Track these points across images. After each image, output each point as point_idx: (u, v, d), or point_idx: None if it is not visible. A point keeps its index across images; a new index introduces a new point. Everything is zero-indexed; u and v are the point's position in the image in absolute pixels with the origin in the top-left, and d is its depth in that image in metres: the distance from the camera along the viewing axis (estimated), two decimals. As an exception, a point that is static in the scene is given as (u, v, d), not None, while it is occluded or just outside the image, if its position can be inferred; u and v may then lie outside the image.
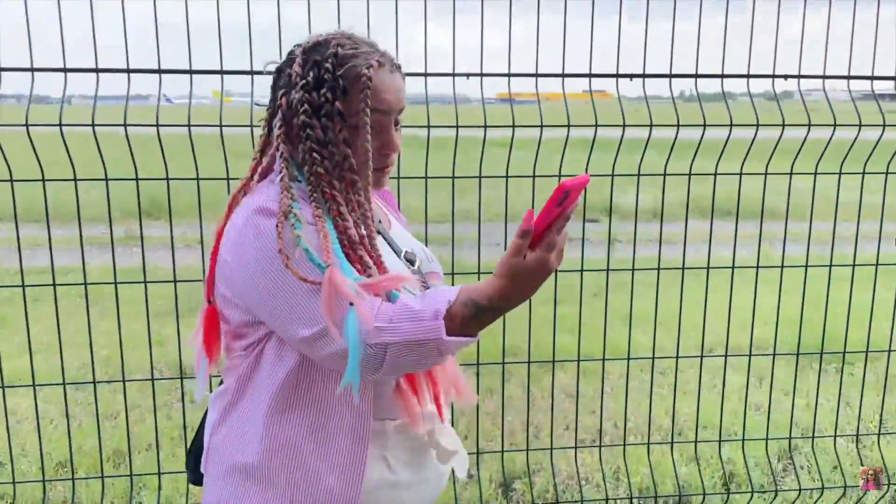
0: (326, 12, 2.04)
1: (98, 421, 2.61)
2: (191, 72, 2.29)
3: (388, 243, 1.39)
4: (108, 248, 2.48)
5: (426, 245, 1.56)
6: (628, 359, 2.80)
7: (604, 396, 3.04)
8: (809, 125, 2.57)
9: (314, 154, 1.23)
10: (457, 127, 2.43)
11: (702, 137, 2.59)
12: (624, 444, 3.00)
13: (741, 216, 2.76)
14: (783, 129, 2.56)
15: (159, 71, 2.26)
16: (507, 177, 2.60)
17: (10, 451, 2.92)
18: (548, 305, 2.71)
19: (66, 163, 2.37)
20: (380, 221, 1.42)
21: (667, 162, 2.59)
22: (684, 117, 2.49)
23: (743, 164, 2.65)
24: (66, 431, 2.76)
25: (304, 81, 1.23)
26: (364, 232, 1.24)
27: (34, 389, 2.56)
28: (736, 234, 2.84)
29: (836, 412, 3.14)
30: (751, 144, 2.59)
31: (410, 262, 1.40)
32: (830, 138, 2.61)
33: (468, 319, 1.14)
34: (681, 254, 2.75)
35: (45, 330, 3.76)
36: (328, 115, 1.23)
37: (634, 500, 3.13)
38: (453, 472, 1.52)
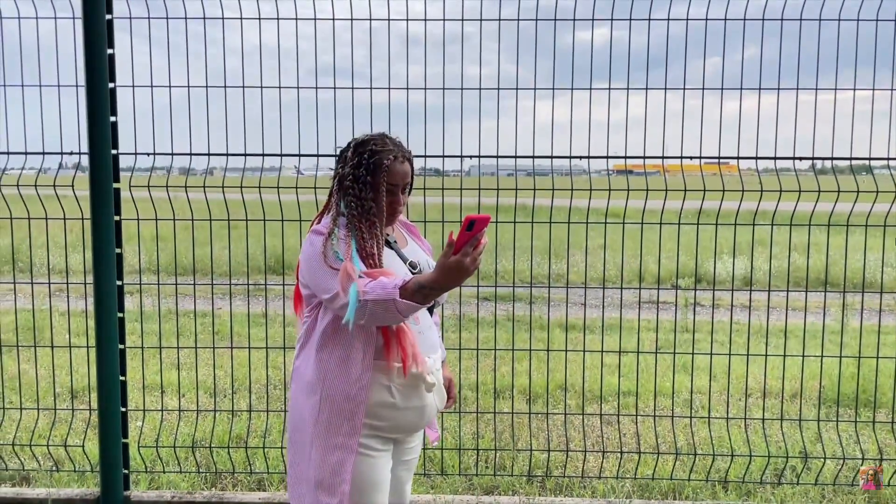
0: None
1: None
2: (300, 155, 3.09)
3: (398, 254, 2.25)
4: (237, 296, 3.28)
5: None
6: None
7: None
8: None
9: (352, 203, 2.14)
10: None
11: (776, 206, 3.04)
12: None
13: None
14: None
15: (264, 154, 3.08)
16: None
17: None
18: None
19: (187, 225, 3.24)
20: (395, 241, 2.30)
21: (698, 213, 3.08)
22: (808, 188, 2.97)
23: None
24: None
25: (352, 162, 2.17)
26: (375, 250, 2.11)
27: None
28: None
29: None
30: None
31: (412, 267, 2.25)
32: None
33: (415, 292, 1.93)
34: (757, 319, 3.14)
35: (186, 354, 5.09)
36: (363, 183, 2.14)
37: None
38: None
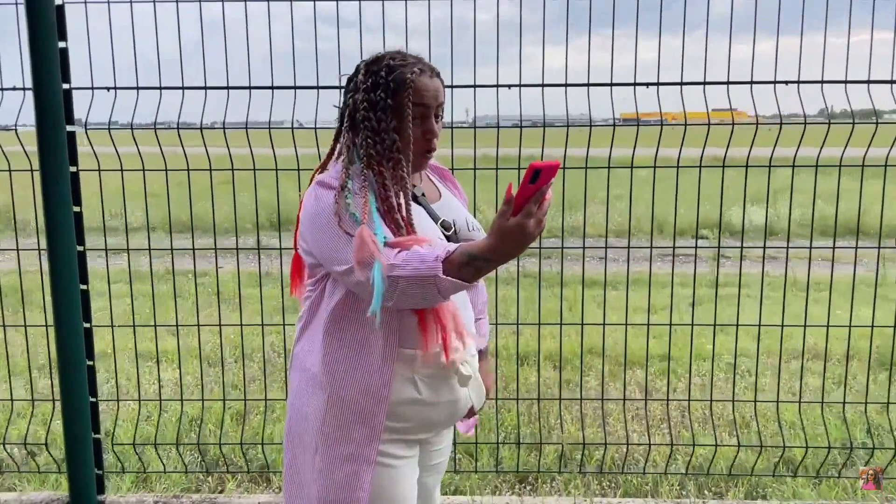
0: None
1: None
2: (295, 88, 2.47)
3: (428, 212, 1.73)
4: (224, 257, 2.68)
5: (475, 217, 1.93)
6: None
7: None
8: None
9: (369, 140, 1.62)
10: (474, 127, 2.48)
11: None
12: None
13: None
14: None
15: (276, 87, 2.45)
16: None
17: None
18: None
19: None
20: (423, 194, 1.77)
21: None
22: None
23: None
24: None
25: (365, 86, 1.65)
26: (402, 201, 1.60)
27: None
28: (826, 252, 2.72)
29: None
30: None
31: (446, 228, 1.73)
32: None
33: (462, 266, 1.43)
34: (789, 271, 2.68)
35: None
36: (382, 108, 1.62)
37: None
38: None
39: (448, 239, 1.69)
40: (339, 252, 1.54)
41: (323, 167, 1.77)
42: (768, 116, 2.99)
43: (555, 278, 6.34)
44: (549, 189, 1.39)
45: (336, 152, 1.75)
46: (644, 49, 2.93)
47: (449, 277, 1.42)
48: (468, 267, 1.43)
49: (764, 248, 2.79)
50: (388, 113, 1.62)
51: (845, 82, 2.60)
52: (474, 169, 2.76)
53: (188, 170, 2.70)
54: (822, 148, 2.64)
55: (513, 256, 1.43)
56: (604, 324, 2.97)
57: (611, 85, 2.68)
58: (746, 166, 2.63)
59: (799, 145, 2.65)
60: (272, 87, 2.60)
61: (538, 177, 1.35)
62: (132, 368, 4.33)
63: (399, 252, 1.48)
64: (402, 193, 1.61)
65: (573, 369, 4.60)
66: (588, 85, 2.68)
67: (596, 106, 2.77)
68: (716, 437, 3.26)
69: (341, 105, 1.74)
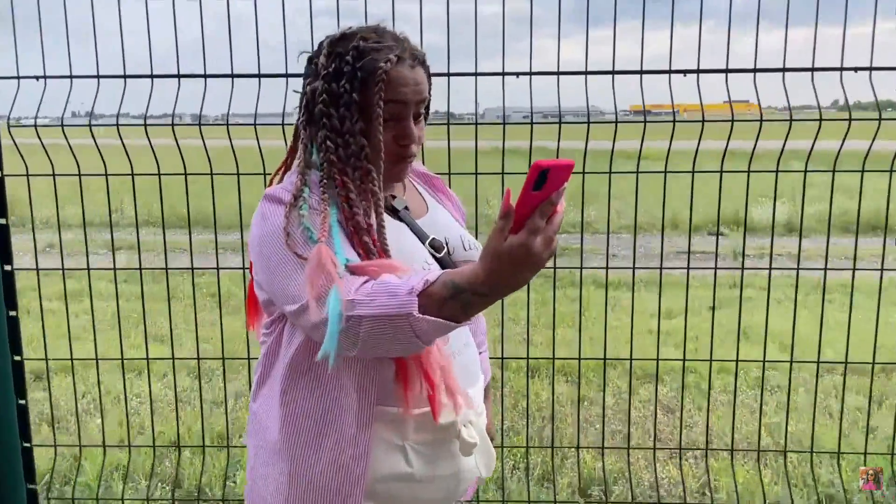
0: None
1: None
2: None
3: (413, 229, 1.39)
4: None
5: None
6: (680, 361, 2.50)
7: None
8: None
9: (328, 142, 1.29)
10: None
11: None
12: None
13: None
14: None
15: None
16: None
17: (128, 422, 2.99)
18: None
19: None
20: (405, 208, 1.42)
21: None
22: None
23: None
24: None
25: (325, 72, 1.30)
26: (373, 221, 1.27)
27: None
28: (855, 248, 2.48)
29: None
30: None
31: (436, 248, 1.37)
32: None
33: (445, 300, 1.09)
34: (819, 271, 2.45)
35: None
36: (346, 105, 1.28)
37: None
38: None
39: (440, 263, 1.35)
40: (289, 285, 1.19)
41: (279, 176, 1.44)
42: (779, 109, 2.79)
43: (567, 278, 6.11)
44: (561, 196, 1.05)
45: (291, 159, 1.43)
46: (655, 40, 2.71)
47: (427, 317, 1.08)
48: (453, 301, 1.09)
49: (799, 247, 2.53)
50: (352, 110, 1.27)
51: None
52: (476, 173, 2.41)
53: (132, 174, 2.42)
54: (843, 142, 2.39)
55: (514, 287, 1.08)
56: (657, 359, 2.61)
57: (640, 73, 2.34)
58: (778, 162, 2.40)
59: (814, 142, 2.41)
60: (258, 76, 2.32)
61: (545, 180, 1.01)
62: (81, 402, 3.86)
63: (364, 283, 1.14)
64: (372, 210, 1.27)
65: (587, 383, 4.34)
66: (613, 73, 2.33)
67: (602, 98, 2.56)
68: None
69: (301, 93, 1.38)
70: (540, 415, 3.76)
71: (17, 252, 2.36)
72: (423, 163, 1.74)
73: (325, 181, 1.28)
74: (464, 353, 1.40)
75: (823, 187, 2.65)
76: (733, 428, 2.82)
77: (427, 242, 1.37)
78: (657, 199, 2.51)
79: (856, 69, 2.33)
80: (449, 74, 2.29)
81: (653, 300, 2.79)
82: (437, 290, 1.09)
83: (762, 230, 8.77)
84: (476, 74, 2.38)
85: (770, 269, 2.62)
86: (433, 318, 1.08)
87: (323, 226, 1.21)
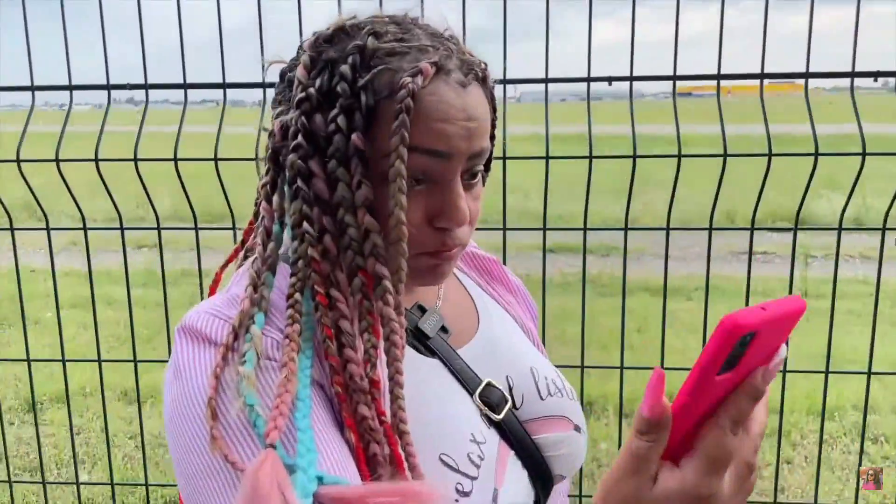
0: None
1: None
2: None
3: (453, 368, 0.83)
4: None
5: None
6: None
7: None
8: None
9: (306, 223, 0.72)
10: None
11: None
12: None
13: None
14: None
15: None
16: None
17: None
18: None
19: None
20: (442, 329, 0.85)
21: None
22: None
23: None
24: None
25: (304, 95, 0.72)
26: (382, 372, 0.71)
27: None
28: None
29: None
30: None
31: (493, 405, 0.82)
32: None
33: None
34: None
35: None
36: (339, 154, 0.71)
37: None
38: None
39: (501, 432, 0.82)
40: None
41: (236, 258, 0.89)
42: (826, 90, 2.48)
43: (614, 284, 5.67)
44: (773, 377, 0.56)
45: (245, 249, 0.88)
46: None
47: None
48: None
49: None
50: (351, 164, 0.71)
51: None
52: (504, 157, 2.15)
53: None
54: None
55: None
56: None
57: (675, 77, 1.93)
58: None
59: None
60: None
61: (745, 349, 0.54)
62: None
63: None
64: (380, 349, 0.71)
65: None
66: (631, 79, 1.90)
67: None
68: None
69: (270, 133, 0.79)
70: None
71: (37, 249, 2.12)
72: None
73: (296, 295, 0.72)
74: None
75: (889, 178, 2.26)
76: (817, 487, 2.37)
77: (477, 394, 0.82)
78: (700, 189, 2.18)
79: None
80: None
81: (715, 312, 2.41)
82: None
83: (828, 223, 8.25)
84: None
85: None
86: None
87: (281, 401, 0.65)
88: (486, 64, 0.77)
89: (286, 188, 0.74)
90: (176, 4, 1.97)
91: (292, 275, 0.73)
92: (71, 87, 2.03)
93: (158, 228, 2.03)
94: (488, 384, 0.83)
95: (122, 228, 2.03)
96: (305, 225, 0.72)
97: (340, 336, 0.71)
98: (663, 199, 2.00)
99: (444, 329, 0.85)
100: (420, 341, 0.83)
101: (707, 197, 2.34)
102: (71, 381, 2.20)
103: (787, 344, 0.58)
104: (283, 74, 0.79)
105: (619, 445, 2.16)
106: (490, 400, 0.82)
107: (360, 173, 0.71)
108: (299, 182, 0.72)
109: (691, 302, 5.28)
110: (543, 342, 1.03)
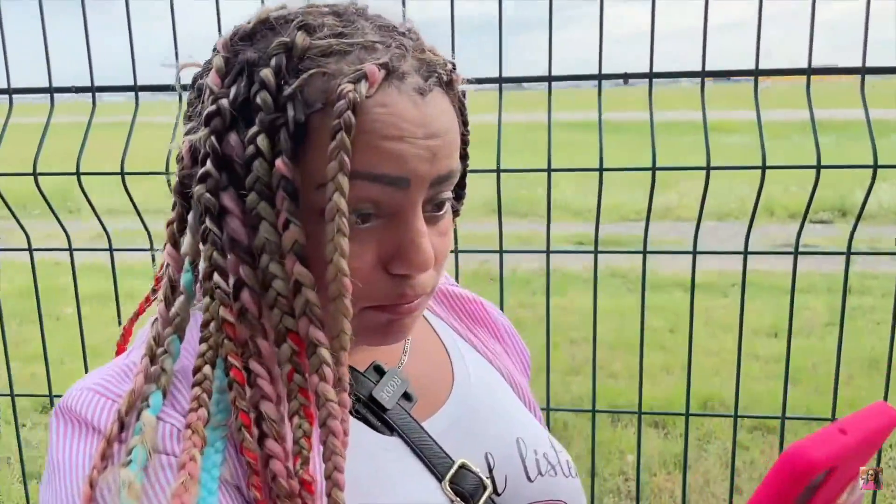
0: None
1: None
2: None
3: (417, 452, 0.66)
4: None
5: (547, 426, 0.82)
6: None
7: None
8: None
9: (217, 273, 0.56)
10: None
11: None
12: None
13: None
14: None
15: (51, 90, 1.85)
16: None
17: None
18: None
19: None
20: (405, 396, 0.68)
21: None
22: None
23: None
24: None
25: (214, 107, 0.55)
26: (317, 465, 0.56)
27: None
28: None
29: None
30: None
31: (463, 495, 0.66)
32: None
33: None
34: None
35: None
36: (259, 186, 0.55)
37: None
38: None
39: None
40: None
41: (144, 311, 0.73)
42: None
43: (637, 280, 5.34)
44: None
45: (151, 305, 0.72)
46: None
47: None
48: None
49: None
50: (278, 198, 0.54)
51: None
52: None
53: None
54: None
55: None
56: (783, 417, 1.82)
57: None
58: None
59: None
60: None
61: (820, 485, 0.50)
62: None
63: None
64: (314, 434, 0.55)
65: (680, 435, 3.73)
66: (650, 77, 1.65)
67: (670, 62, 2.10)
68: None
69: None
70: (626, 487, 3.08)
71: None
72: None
73: (204, 369, 0.56)
74: None
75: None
76: None
77: (447, 480, 0.66)
78: (738, 180, 1.96)
79: None
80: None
81: (753, 310, 2.20)
82: None
83: (869, 218, 7.86)
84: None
85: None
86: None
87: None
88: (452, 64, 0.60)
89: (191, 232, 0.58)
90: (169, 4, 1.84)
91: (202, 340, 0.56)
92: (51, 90, 1.91)
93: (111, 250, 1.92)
94: (461, 466, 0.67)
95: (70, 250, 1.92)
96: (217, 277, 0.55)
97: (261, 423, 0.55)
98: (697, 189, 1.76)
99: (407, 396, 0.68)
100: (376, 414, 0.66)
101: (743, 185, 2.14)
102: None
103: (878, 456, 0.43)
104: (194, 81, 0.61)
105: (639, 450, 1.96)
106: (463, 488, 0.66)
107: (288, 209, 0.54)
108: (208, 222, 0.55)
109: (727, 299, 5.01)
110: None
